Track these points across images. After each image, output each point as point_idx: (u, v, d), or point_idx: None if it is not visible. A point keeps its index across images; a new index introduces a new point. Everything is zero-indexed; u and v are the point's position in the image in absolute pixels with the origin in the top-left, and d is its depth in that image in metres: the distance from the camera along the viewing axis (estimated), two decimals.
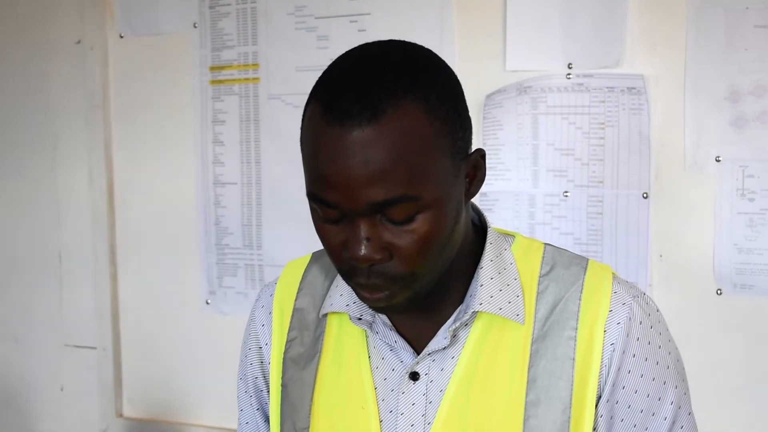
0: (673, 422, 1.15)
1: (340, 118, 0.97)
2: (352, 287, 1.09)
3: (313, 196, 1.03)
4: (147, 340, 2.66)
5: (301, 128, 1.04)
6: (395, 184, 0.97)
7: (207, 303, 2.55)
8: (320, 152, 0.99)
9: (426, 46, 1.09)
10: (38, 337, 2.80)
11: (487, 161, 2.14)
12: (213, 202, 2.51)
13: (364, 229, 1.01)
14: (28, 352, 2.81)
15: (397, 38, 1.11)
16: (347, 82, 0.99)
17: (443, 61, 1.09)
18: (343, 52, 1.07)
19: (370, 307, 1.10)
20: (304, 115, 1.04)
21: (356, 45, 1.08)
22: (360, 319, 1.16)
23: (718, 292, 2.03)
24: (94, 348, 2.70)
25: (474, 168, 1.09)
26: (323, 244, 1.07)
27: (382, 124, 0.96)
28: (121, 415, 2.69)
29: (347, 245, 1.03)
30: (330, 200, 1.01)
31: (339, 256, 1.05)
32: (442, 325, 1.14)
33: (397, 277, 1.04)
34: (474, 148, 1.10)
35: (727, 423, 2.03)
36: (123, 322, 2.68)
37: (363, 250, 1.01)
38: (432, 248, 1.03)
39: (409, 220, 1.00)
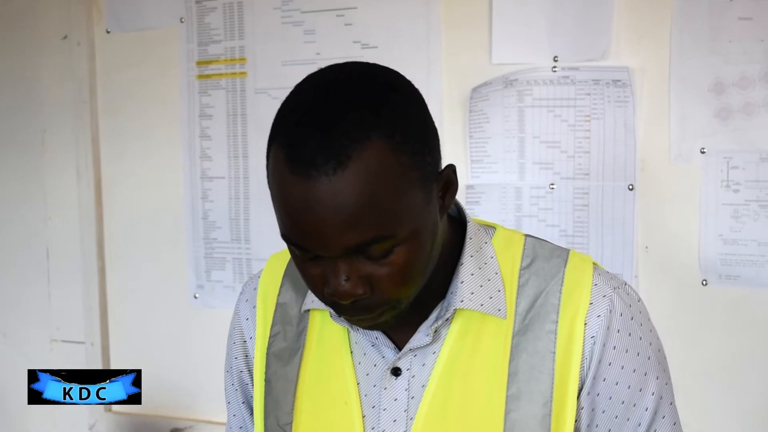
0: (655, 412, 1.15)
1: (305, 169, 0.94)
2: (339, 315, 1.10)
3: (287, 239, 1.02)
4: (135, 335, 2.66)
5: (267, 167, 1.02)
6: (368, 228, 0.96)
7: (195, 297, 2.55)
8: (289, 203, 0.98)
9: (381, 64, 1.07)
10: (26, 332, 2.80)
11: (473, 154, 2.16)
12: (200, 197, 2.52)
13: (342, 268, 1.00)
14: (17, 347, 2.81)
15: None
16: (307, 129, 0.96)
17: (402, 80, 1.06)
18: (300, 80, 1.04)
19: (361, 327, 1.11)
20: (268, 154, 1.01)
21: (321, 67, 1.05)
22: (341, 315, 1.15)
23: (704, 282, 2.04)
24: (83, 343, 2.70)
25: (446, 184, 1.07)
26: (303, 280, 1.07)
27: (349, 171, 0.94)
28: (109, 410, 2.69)
29: (327, 282, 1.02)
30: (304, 246, 1.00)
31: (321, 292, 1.05)
32: (423, 320, 1.14)
33: (380, 306, 1.04)
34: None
35: (713, 413, 2.04)
36: (111, 317, 2.68)
37: (343, 288, 1.00)
38: (412, 275, 1.03)
39: (387, 254, 1.00)
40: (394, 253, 1.00)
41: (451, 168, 1.08)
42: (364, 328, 1.10)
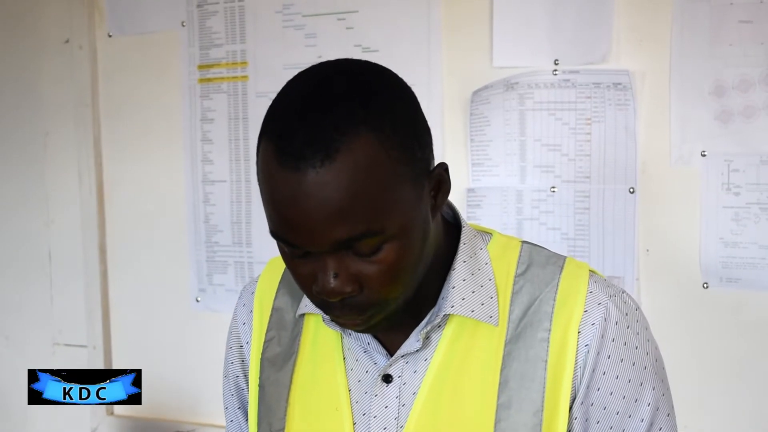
0: (651, 424, 1.13)
1: (294, 161, 0.94)
2: (329, 316, 1.08)
3: (276, 235, 1.01)
4: (137, 338, 2.66)
5: (256, 163, 1.01)
6: (357, 222, 0.96)
7: (197, 300, 2.56)
8: (277, 196, 0.97)
9: (373, 61, 1.06)
10: (29, 335, 2.80)
11: (474, 157, 2.16)
12: (202, 200, 2.52)
13: (331, 264, 0.99)
14: (19, 350, 2.81)
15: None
16: (296, 122, 0.96)
17: (393, 77, 1.05)
18: (292, 77, 1.04)
19: (352, 330, 1.10)
20: (258, 149, 1.01)
21: (313, 63, 1.05)
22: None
23: (705, 285, 2.04)
24: (85, 346, 2.70)
25: (438, 183, 1.06)
26: (293, 278, 1.06)
27: (337, 163, 0.93)
28: (112, 413, 2.70)
29: (316, 280, 1.01)
30: (293, 242, 0.99)
31: (310, 290, 1.04)
32: (415, 327, 1.13)
33: (370, 306, 1.03)
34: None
35: (714, 415, 2.04)
36: (113, 320, 2.69)
37: (332, 285, 1.00)
38: (402, 274, 1.02)
39: (376, 250, 0.99)
40: (383, 250, 0.99)
41: (443, 166, 1.07)
42: (357, 331, 1.09)
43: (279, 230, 1.00)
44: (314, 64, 1.06)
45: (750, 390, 2.03)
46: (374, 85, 1.01)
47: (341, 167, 0.94)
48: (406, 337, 1.13)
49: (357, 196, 0.94)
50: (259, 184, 1.01)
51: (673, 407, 1.17)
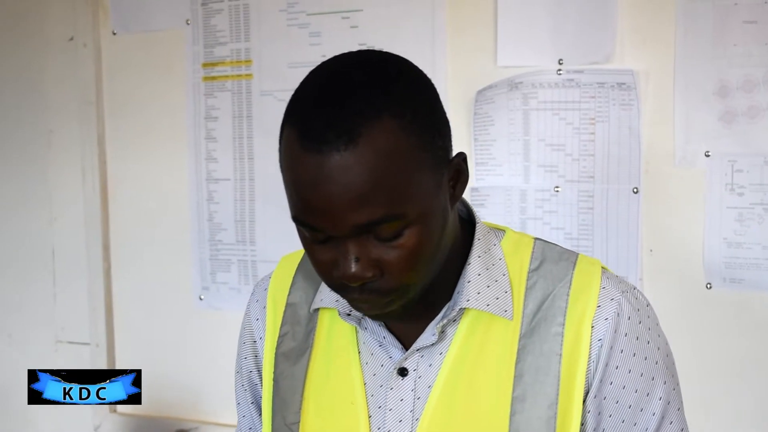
0: (662, 417, 1.14)
1: (317, 145, 0.96)
2: (347, 300, 1.10)
3: (297, 220, 1.03)
4: (140, 336, 2.66)
5: (279, 151, 1.03)
6: (378, 206, 0.97)
7: (200, 299, 2.56)
8: (300, 180, 0.99)
9: (394, 53, 1.08)
10: (32, 333, 2.80)
11: (478, 157, 2.16)
12: (206, 198, 2.52)
13: (352, 249, 1.01)
14: (22, 348, 2.81)
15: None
16: (319, 107, 0.98)
17: (414, 68, 1.07)
18: (313, 68, 1.06)
19: (367, 316, 1.11)
20: (280, 138, 1.03)
21: (331, 55, 1.07)
22: (349, 314, 1.16)
23: (708, 286, 2.04)
24: (88, 344, 2.70)
25: (457, 172, 1.08)
26: (313, 264, 1.08)
27: (359, 147, 0.95)
28: (114, 411, 2.70)
29: (337, 264, 1.03)
30: (314, 225, 1.01)
31: (330, 275, 1.05)
32: (431, 321, 1.14)
33: (390, 291, 1.04)
34: (458, 149, 1.10)
35: (717, 415, 2.04)
36: (116, 318, 2.69)
37: (353, 269, 1.01)
38: (421, 260, 1.03)
39: (397, 235, 1.00)
40: (404, 235, 1.01)
41: (462, 156, 1.09)
42: (372, 317, 1.11)
43: (300, 214, 1.02)
44: (336, 54, 1.08)
45: (752, 390, 2.03)
46: (395, 74, 1.03)
47: (363, 151, 0.96)
48: (421, 331, 1.14)
49: (378, 180, 0.96)
50: (282, 170, 1.03)
51: (682, 402, 1.19)
